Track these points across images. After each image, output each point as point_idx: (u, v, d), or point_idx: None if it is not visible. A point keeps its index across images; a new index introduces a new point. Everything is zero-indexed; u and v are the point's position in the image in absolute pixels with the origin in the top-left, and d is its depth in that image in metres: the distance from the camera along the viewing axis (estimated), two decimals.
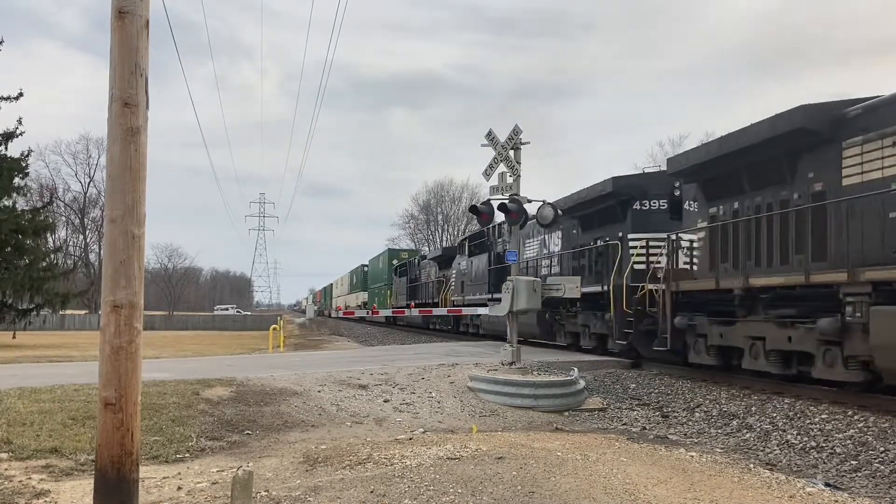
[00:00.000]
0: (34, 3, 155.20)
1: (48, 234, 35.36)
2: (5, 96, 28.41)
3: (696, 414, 9.61)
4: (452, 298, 25.97)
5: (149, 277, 76.47)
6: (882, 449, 6.97)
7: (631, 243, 14.24)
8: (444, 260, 29.21)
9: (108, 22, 3.93)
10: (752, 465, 6.48)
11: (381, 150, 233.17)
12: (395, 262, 41.30)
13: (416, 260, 36.51)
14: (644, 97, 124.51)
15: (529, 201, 12.02)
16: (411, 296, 34.86)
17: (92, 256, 72.90)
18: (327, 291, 79.72)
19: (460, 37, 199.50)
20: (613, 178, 14.58)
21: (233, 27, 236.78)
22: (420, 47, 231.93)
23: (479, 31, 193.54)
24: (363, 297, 50.21)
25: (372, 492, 5.01)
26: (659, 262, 13.25)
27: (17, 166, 28.94)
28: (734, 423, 8.88)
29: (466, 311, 22.00)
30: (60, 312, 39.87)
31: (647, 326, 13.13)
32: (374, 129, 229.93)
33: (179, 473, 5.73)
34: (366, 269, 52.21)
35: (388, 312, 33.83)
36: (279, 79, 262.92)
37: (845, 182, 9.04)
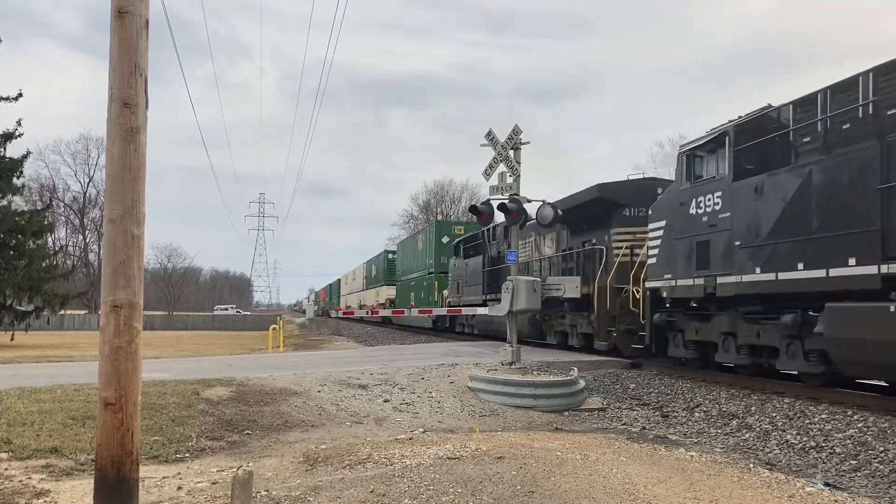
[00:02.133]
0: (31, 3, 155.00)
1: (48, 236, 35.40)
2: (4, 97, 28.44)
3: (696, 414, 9.61)
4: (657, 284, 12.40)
5: (148, 277, 76.54)
6: (882, 449, 6.97)
7: None
8: (593, 215, 15.36)
9: (105, 22, 3.93)
10: (751, 465, 6.48)
11: (381, 150, 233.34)
12: (445, 238, 27.45)
13: (500, 229, 20.64)
14: (644, 97, 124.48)
15: (529, 201, 12.02)
16: (494, 286, 20.21)
17: (91, 256, 72.98)
18: (333, 289, 68.20)
19: (459, 36, 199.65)
20: None
21: (231, 26, 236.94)
22: (418, 47, 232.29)
23: (477, 30, 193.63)
24: (388, 292, 37.97)
25: (372, 491, 5.02)
26: None
27: (15, 166, 28.98)
28: (734, 422, 8.88)
29: (466, 310, 20.77)
30: (60, 312, 39.89)
31: None
32: (373, 128, 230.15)
33: (179, 473, 5.73)
34: (392, 255, 39.83)
35: (387, 313, 29.58)
36: (277, 78, 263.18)
37: None
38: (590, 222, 15.67)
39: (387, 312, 29.70)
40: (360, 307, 43.45)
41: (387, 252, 41.54)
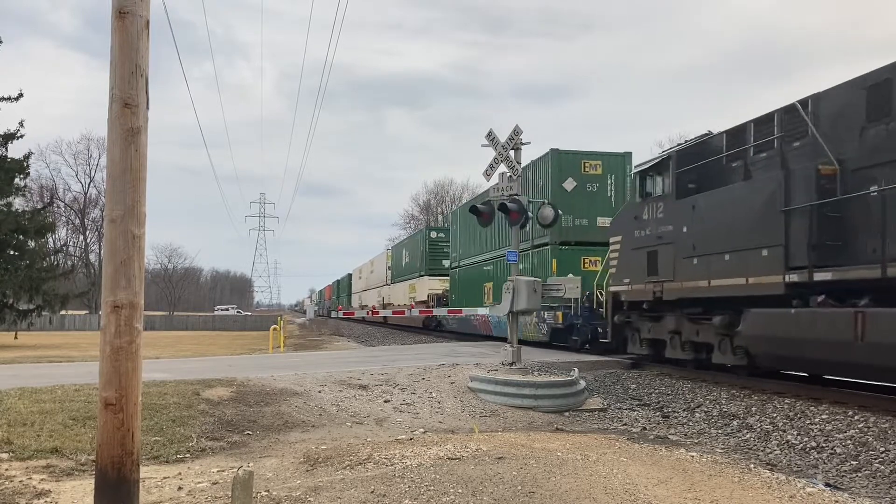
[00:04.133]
0: (30, 3, 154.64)
1: (48, 235, 35.44)
2: (5, 97, 28.47)
3: (697, 414, 9.61)
4: None
5: (149, 278, 76.47)
6: (882, 449, 6.97)
7: None
8: None
9: (104, 21, 3.93)
10: (752, 466, 6.48)
11: (381, 150, 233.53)
12: (571, 183, 16.74)
13: (835, 97, 8.90)
14: (643, 97, 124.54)
15: (530, 201, 12.02)
16: (838, 240, 8.58)
17: (92, 257, 72.94)
18: (342, 286, 59.14)
19: (458, 36, 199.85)
20: None
21: (229, 27, 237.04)
22: (417, 47, 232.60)
23: (475, 30, 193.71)
24: (431, 286, 28.35)
25: (372, 492, 5.02)
26: None
27: (17, 167, 29.01)
28: (734, 423, 8.88)
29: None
30: (61, 313, 39.92)
31: None
32: (373, 128, 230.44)
33: (180, 473, 5.73)
34: (436, 235, 29.76)
35: (388, 313, 28.30)
36: (275, 79, 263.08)
37: None
38: None
39: (386, 313, 28.75)
40: (384, 307, 33.76)
41: (428, 230, 31.55)
